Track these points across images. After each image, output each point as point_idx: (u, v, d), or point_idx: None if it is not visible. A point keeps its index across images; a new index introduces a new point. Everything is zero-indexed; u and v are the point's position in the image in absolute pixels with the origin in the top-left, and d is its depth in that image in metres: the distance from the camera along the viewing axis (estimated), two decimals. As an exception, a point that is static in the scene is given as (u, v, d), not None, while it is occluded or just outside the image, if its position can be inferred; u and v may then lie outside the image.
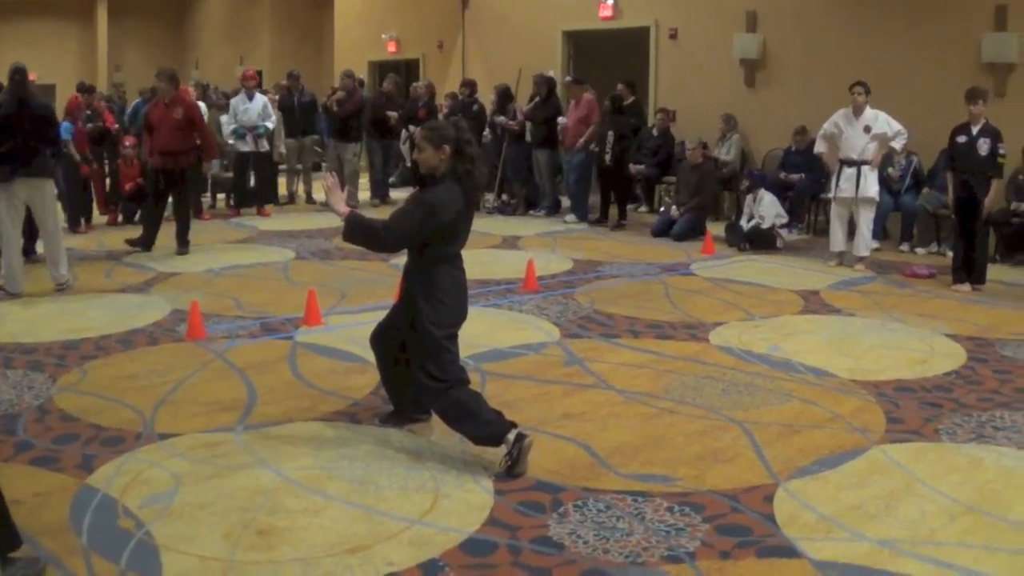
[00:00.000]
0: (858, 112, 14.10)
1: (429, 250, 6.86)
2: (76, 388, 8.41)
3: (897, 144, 14.19)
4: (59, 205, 12.75)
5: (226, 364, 9.12)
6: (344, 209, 6.83)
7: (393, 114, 20.68)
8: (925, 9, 16.95)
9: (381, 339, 7.44)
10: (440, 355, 6.79)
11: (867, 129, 14.02)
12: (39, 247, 13.33)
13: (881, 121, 14.03)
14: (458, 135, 6.86)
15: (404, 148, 22.20)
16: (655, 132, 19.68)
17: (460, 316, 7.01)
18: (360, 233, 6.75)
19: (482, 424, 6.78)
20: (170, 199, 15.03)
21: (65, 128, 16.57)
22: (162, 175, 14.71)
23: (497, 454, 6.75)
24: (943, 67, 16.57)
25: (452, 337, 6.93)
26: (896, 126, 14.01)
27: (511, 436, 6.67)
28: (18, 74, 11.81)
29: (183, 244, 14.89)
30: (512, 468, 6.64)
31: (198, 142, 15.06)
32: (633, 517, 5.97)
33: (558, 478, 6.55)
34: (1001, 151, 12.94)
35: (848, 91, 14.25)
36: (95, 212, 17.71)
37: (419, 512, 6.01)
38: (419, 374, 6.89)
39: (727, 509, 6.13)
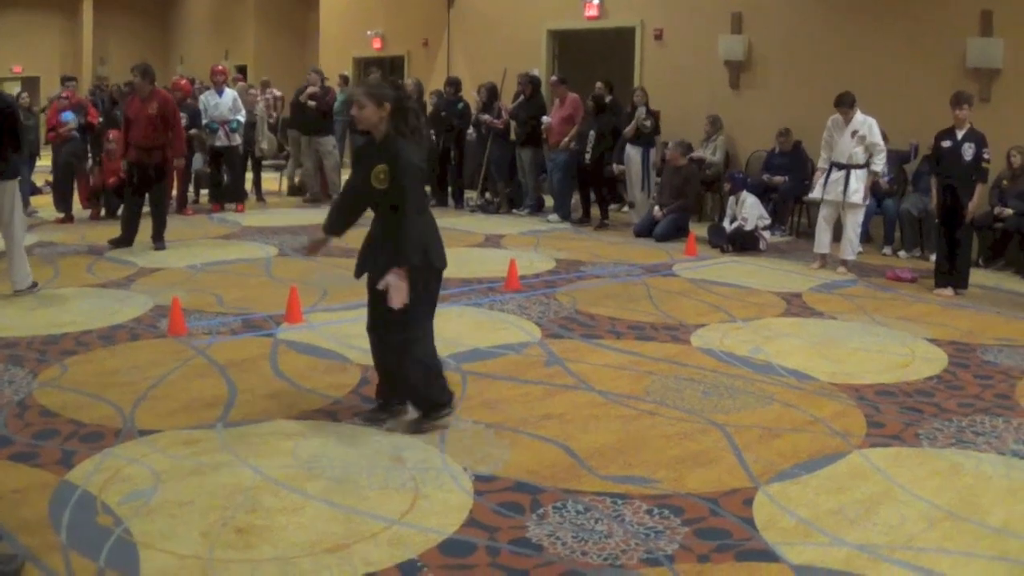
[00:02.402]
0: (847, 119, 14.13)
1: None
2: (56, 384, 8.38)
3: (877, 167, 14.21)
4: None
5: (207, 361, 9.10)
6: (400, 271, 7.01)
7: None
8: (910, 13, 16.97)
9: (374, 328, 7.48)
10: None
11: (854, 134, 14.05)
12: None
13: (866, 126, 14.06)
14: (397, 94, 7.24)
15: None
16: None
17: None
18: (414, 250, 7.05)
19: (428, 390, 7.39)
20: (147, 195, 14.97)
21: (68, 116, 16.66)
22: (138, 169, 14.67)
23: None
24: (928, 71, 16.61)
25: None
26: (876, 139, 14.04)
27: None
28: None
29: (159, 241, 14.89)
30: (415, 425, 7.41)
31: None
32: (612, 519, 5.97)
33: (538, 479, 6.54)
34: (986, 156, 12.96)
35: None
36: (77, 206, 17.70)
37: (398, 512, 5.99)
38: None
39: (706, 512, 6.12)
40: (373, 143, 7.27)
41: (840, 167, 14.20)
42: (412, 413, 7.56)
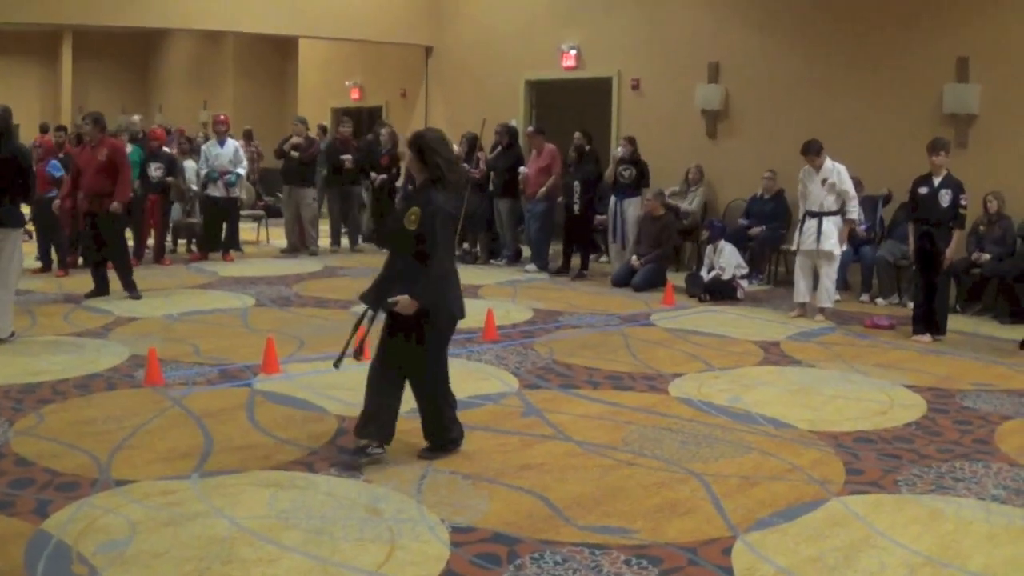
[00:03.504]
0: (816, 167, 14.19)
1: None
2: (32, 432, 8.33)
3: (852, 214, 14.30)
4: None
5: (183, 411, 9.06)
6: (410, 302, 7.58)
7: (347, 158, 20.64)
8: (887, 59, 17.06)
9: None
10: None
11: (824, 182, 14.11)
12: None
13: (835, 173, 14.15)
14: (420, 144, 7.75)
15: (367, 195, 22.14)
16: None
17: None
18: (433, 290, 7.67)
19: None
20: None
21: (53, 166, 16.61)
22: (91, 218, 14.64)
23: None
24: (905, 117, 16.69)
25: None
26: (845, 186, 14.13)
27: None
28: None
29: (130, 290, 14.83)
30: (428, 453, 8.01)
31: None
32: (590, 570, 5.93)
33: (515, 530, 6.50)
34: (963, 202, 13.01)
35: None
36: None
37: (374, 564, 5.95)
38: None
39: (684, 562, 6.09)
40: (415, 189, 8.06)
41: (813, 215, 14.27)
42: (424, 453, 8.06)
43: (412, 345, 7.83)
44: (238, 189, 19.04)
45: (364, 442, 7.72)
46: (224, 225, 19.32)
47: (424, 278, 7.56)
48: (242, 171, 19.02)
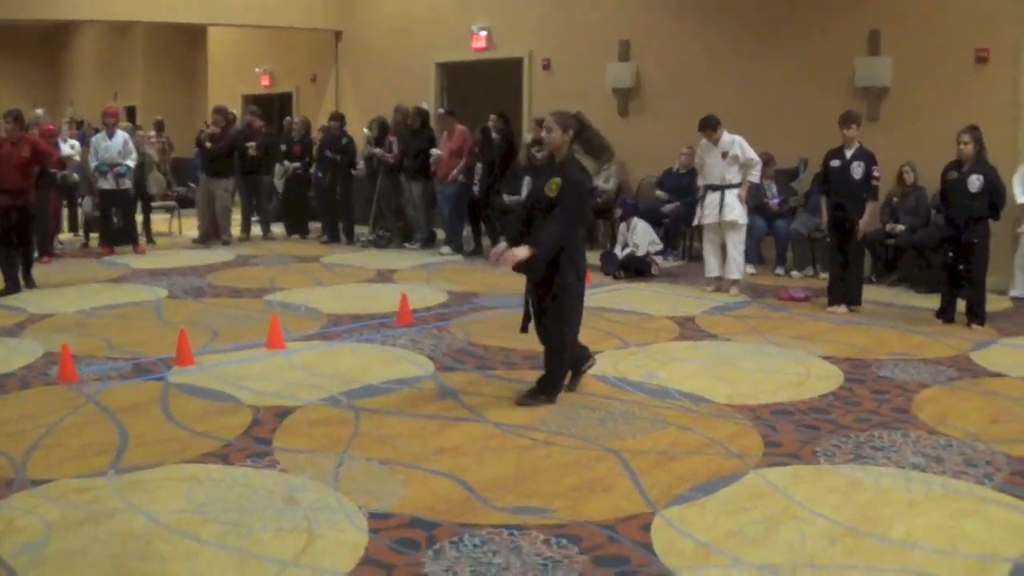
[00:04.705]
0: (714, 142, 14.24)
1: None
2: (-56, 434, 8.16)
3: (753, 177, 14.35)
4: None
5: (98, 407, 8.89)
6: (525, 252, 8.62)
7: (251, 145, 20.47)
8: (799, 34, 17.13)
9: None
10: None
11: (724, 155, 14.17)
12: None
13: (735, 145, 14.19)
14: (579, 121, 9.02)
15: (279, 182, 22.00)
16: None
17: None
18: (552, 244, 8.67)
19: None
20: None
21: None
22: (10, 213, 14.43)
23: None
24: (817, 91, 16.77)
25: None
26: (749, 154, 14.21)
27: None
28: None
29: (27, 280, 14.83)
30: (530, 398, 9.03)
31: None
32: (510, 551, 5.86)
33: (433, 514, 6.42)
34: (875, 174, 13.11)
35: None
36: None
37: (293, 554, 5.85)
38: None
39: (604, 539, 6.03)
40: (552, 162, 9.00)
41: (714, 188, 14.32)
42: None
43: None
44: (128, 180, 18.75)
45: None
46: (120, 217, 19.03)
47: (544, 235, 8.61)
48: (131, 163, 18.69)
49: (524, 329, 9.30)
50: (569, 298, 8.98)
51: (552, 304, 8.97)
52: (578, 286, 9.06)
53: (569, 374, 9.33)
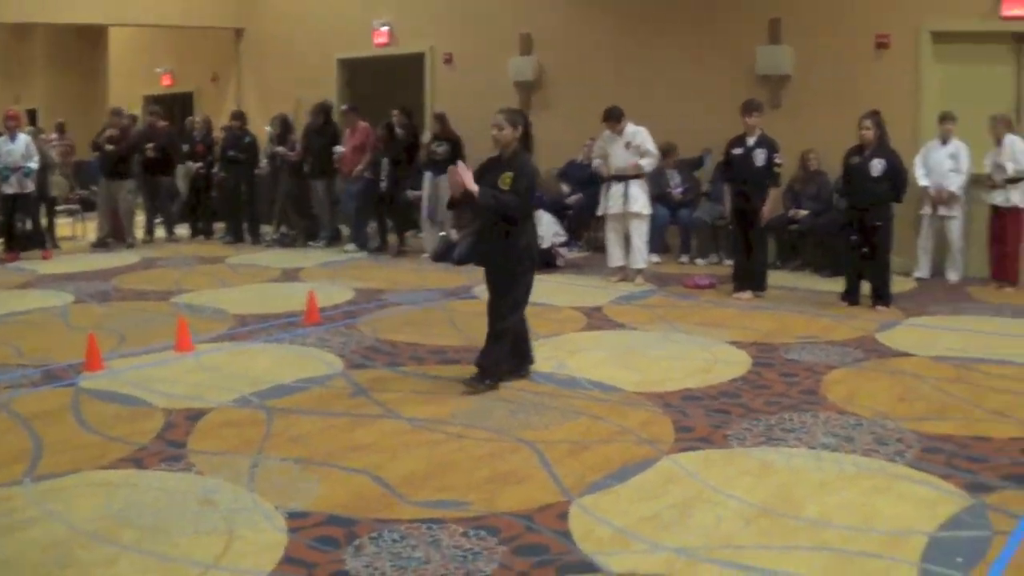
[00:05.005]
0: (618, 132, 14.32)
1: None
2: None
3: (645, 166, 14.37)
4: None
5: (10, 415, 8.73)
6: (473, 188, 9.04)
7: (150, 146, 20.29)
8: (700, 24, 17.27)
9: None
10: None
11: (627, 145, 14.26)
12: None
13: (637, 135, 14.29)
14: (526, 117, 9.62)
15: (182, 183, 21.84)
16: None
17: None
18: (500, 206, 9.11)
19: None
20: None
21: None
22: None
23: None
24: (719, 80, 16.93)
25: None
26: (648, 146, 14.29)
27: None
28: None
29: None
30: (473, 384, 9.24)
31: None
32: (429, 545, 5.86)
33: (350, 511, 6.40)
34: (777, 161, 13.25)
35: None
36: None
37: (213, 556, 5.80)
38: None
39: (522, 529, 6.05)
40: (501, 157, 9.40)
41: (619, 180, 14.37)
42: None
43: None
44: (32, 182, 18.54)
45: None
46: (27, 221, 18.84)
47: (499, 201, 9.08)
48: (34, 165, 18.49)
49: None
50: (525, 285, 9.39)
51: (506, 290, 9.34)
52: (531, 274, 9.47)
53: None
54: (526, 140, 9.48)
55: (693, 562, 5.57)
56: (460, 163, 9.43)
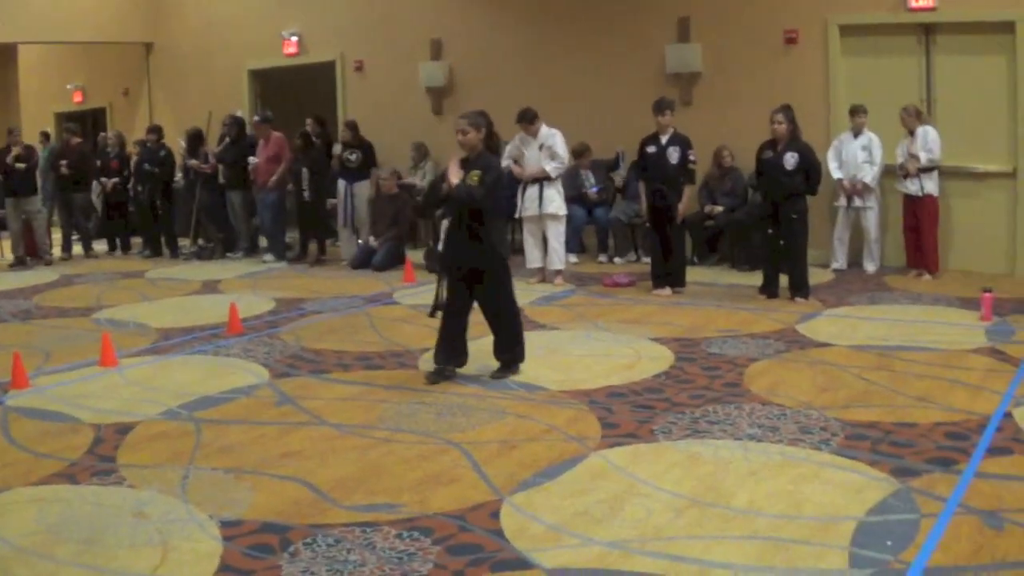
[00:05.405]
0: (532, 134, 14.40)
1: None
2: None
3: (551, 171, 14.43)
4: None
5: (-65, 437, 8.76)
6: (454, 181, 9.51)
7: (63, 163, 20.14)
8: (608, 23, 17.37)
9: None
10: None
11: (542, 147, 14.35)
12: None
13: (550, 137, 14.44)
14: (488, 118, 9.97)
15: (96, 200, 21.69)
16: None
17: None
18: (473, 196, 9.41)
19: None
20: None
21: None
22: None
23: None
24: (630, 79, 17.06)
25: None
26: (558, 148, 14.37)
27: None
28: None
29: None
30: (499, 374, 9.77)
31: None
32: (364, 548, 5.90)
33: (284, 518, 6.42)
34: (691, 158, 13.38)
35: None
36: None
37: (150, 567, 5.80)
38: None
39: (455, 529, 6.10)
40: (468, 160, 9.73)
41: (534, 182, 14.44)
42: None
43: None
44: None
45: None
46: None
47: (472, 191, 9.40)
48: None
49: (432, 314, 9.95)
50: (509, 276, 9.82)
51: (495, 288, 9.71)
52: (508, 269, 9.87)
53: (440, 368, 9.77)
54: (490, 141, 9.83)
55: (625, 554, 5.64)
56: (453, 161, 9.85)
